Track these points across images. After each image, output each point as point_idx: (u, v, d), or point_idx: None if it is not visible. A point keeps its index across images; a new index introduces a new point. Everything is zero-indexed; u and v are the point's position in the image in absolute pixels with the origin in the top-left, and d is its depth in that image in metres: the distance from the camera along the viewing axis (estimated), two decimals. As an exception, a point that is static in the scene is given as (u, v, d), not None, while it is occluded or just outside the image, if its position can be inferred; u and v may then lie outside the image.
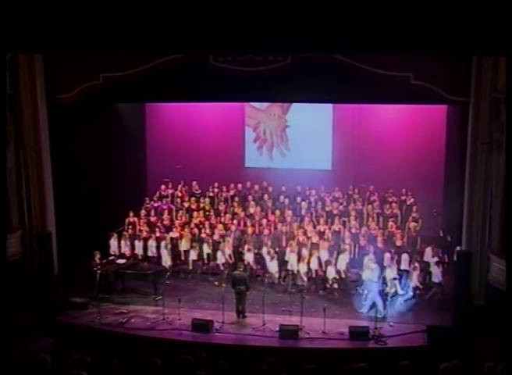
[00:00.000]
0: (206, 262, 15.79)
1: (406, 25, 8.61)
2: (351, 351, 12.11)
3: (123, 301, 14.37)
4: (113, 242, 16.03)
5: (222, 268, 15.28)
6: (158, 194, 18.19)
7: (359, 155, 18.37)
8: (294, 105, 18.78)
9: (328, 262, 14.73)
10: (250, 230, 15.99)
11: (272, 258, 15.05)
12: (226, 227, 16.30)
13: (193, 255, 15.74)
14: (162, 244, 15.90)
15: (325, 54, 12.74)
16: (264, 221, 16.37)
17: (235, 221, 16.47)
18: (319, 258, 14.75)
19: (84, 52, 12.47)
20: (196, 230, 16.28)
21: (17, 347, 8.00)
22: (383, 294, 13.64)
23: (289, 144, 19.45)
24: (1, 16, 8.60)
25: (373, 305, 13.63)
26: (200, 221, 16.67)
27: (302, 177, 17.96)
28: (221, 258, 15.38)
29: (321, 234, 15.63)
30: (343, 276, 14.73)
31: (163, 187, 18.29)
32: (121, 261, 15.29)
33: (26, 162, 14.37)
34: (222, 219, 16.79)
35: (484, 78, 12.80)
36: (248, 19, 8.76)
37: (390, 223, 15.96)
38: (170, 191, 18.31)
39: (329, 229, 15.92)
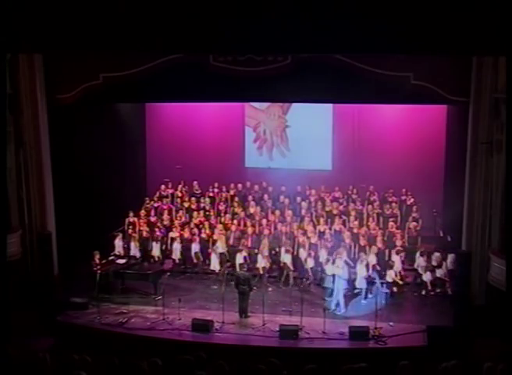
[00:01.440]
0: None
1: (406, 25, 8.61)
2: (351, 351, 12.11)
3: (123, 301, 14.35)
4: (118, 242, 15.97)
5: (261, 271, 14.94)
6: (158, 194, 18.19)
7: (359, 155, 18.35)
8: (294, 105, 18.76)
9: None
10: (250, 230, 15.99)
11: (328, 261, 14.40)
12: (226, 227, 16.31)
13: (240, 259, 15.12)
14: (193, 246, 15.72)
15: (325, 54, 12.74)
16: (264, 221, 16.37)
17: (235, 221, 16.48)
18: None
19: (84, 52, 12.46)
20: (196, 230, 16.28)
21: (17, 347, 8.01)
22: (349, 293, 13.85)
23: (289, 144, 19.44)
24: (1, 16, 8.60)
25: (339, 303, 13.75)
26: (200, 221, 16.67)
27: (302, 177, 17.96)
28: (261, 262, 15.04)
29: (321, 234, 15.65)
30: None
31: (163, 187, 18.28)
32: (121, 261, 15.29)
33: (26, 162, 14.35)
34: (222, 219, 16.80)
35: (484, 78, 12.80)
36: (248, 19, 8.76)
37: (390, 223, 15.97)
38: (170, 191, 18.32)
39: (329, 229, 15.92)
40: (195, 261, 15.85)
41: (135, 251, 15.91)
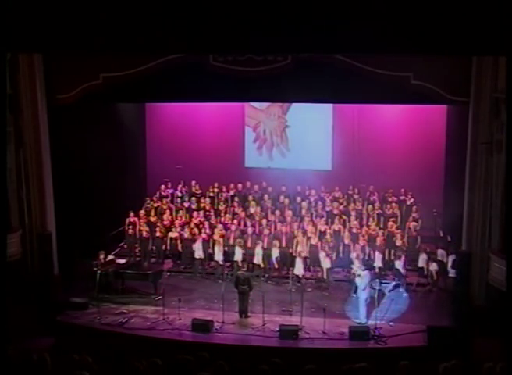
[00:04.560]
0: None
1: (406, 25, 8.61)
2: (351, 351, 12.11)
3: (123, 301, 14.37)
4: (197, 246, 15.82)
5: (325, 276, 14.92)
6: (158, 194, 18.21)
7: (359, 155, 18.38)
8: (294, 105, 18.78)
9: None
10: (250, 230, 15.99)
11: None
12: (226, 227, 16.31)
13: (324, 261, 14.94)
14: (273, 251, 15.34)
15: (325, 54, 12.73)
16: (264, 221, 16.37)
17: (235, 221, 16.48)
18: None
19: (84, 52, 12.44)
20: (196, 231, 16.27)
21: (17, 347, 8.00)
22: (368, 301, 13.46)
23: (289, 144, 19.45)
24: (1, 16, 8.59)
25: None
26: (200, 221, 16.67)
27: (302, 177, 17.97)
28: (326, 264, 14.87)
29: (321, 234, 15.65)
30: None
31: (163, 187, 18.30)
32: (121, 261, 15.30)
33: (26, 162, 14.35)
34: (222, 219, 16.80)
35: (484, 78, 12.79)
36: (248, 19, 8.76)
37: (390, 223, 15.98)
38: (170, 191, 18.32)
39: (329, 229, 15.92)
40: (276, 266, 15.47)
41: (218, 255, 15.71)
